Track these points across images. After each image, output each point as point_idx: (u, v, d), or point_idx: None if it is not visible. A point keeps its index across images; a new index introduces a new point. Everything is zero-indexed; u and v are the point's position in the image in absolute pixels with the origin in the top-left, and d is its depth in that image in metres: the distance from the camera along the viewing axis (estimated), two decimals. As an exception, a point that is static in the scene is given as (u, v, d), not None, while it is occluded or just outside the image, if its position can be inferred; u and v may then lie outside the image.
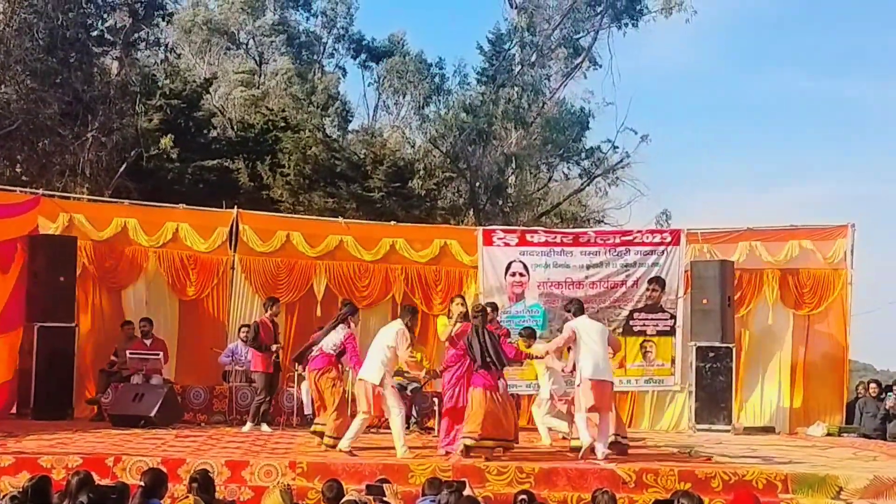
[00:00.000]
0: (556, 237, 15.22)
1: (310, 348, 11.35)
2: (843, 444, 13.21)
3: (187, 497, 6.47)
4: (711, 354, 14.51)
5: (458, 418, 10.64)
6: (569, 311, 11.34)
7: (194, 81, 25.48)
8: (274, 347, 13.12)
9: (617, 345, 11.81)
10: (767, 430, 14.86)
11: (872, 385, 15.52)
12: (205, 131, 24.79)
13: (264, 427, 12.76)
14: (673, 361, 14.87)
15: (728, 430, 14.18)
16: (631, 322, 14.83)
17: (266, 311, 13.41)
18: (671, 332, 14.86)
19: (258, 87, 29.44)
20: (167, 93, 23.26)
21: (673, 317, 14.86)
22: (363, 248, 15.26)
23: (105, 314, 14.79)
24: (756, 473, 9.57)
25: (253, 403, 13.17)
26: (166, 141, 21.80)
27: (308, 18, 33.18)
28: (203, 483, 6.97)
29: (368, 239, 15.44)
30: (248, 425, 12.79)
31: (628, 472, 9.44)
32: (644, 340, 14.83)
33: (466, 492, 7.26)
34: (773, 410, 15.37)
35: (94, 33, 20.76)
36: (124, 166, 20.93)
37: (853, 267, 15.33)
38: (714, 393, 14.48)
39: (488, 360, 10.34)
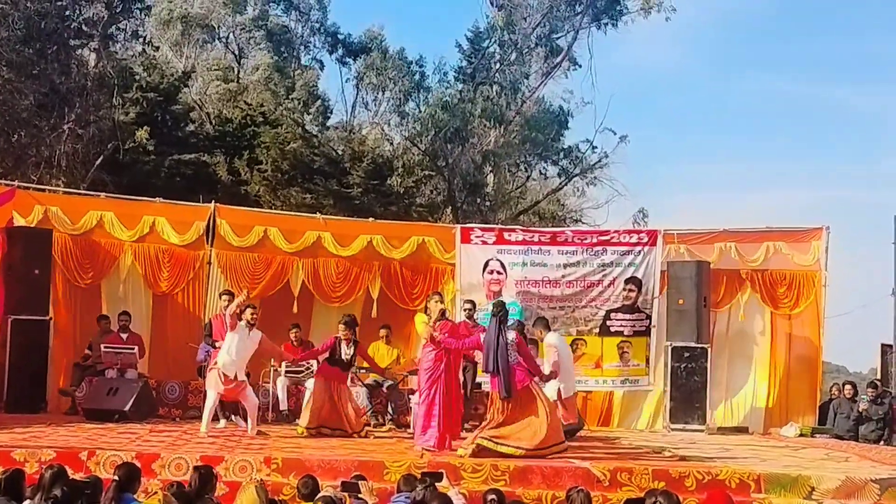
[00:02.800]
0: (533, 236, 15.26)
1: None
2: (815, 445, 13.31)
3: (156, 493, 6.44)
4: (686, 354, 14.58)
5: (432, 417, 10.66)
6: (537, 328, 11.49)
7: (172, 75, 25.36)
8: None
9: None
10: (741, 430, 14.94)
11: (847, 387, 15.67)
12: (182, 125, 24.66)
13: (221, 422, 12.66)
14: (648, 361, 14.96)
15: (702, 430, 14.26)
16: (608, 322, 14.89)
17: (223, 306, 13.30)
18: (646, 333, 14.94)
19: (237, 82, 29.32)
20: (144, 86, 23.14)
21: (649, 317, 14.94)
22: (340, 244, 15.21)
23: (80, 307, 14.70)
24: (729, 473, 9.61)
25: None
26: (142, 133, 21.68)
27: (287, 11, 33.02)
28: (205, 475, 6.83)
29: (346, 235, 15.39)
30: (222, 422, 12.71)
31: (603, 470, 9.47)
32: (621, 341, 14.89)
33: (444, 483, 7.27)
34: (747, 411, 15.47)
35: (72, 25, 20.59)
36: (101, 159, 20.81)
37: (827, 269, 15.44)
38: (689, 393, 14.54)
39: (497, 367, 10.20)
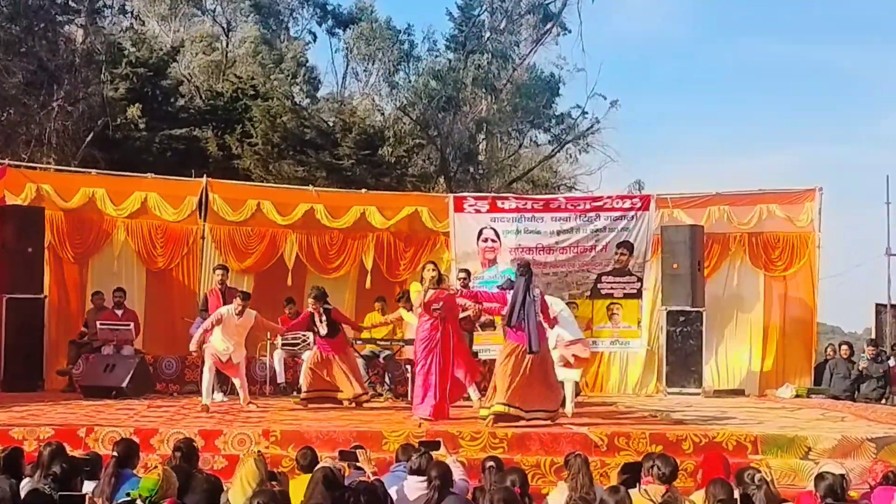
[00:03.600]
0: (526, 203, 15.27)
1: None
2: (811, 406, 13.37)
3: (156, 468, 6.44)
4: (682, 318, 14.61)
5: (429, 386, 10.69)
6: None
7: (161, 49, 25.15)
8: None
9: None
10: (737, 392, 15.02)
11: (844, 347, 15.74)
12: (172, 100, 24.50)
13: (217, 396, 12.67)
14: (639, 323, 15.04)
15: (698, 394, 14.31)
16: (599, 285, 14.97)
17: (216, 280, 13.32)
18: (638, 295, 15.01)
19: (225, 55, 29.12)
20: (133, 61, 22.94)
21: (640, 280, 15.00)
22: (333, 216, 15.18)
23: (74, 285, 14.69)
24: (726, 435, 9.67)
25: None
26: (133, 110, 21.56)
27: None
28: (187, 452, 6.94)
29: (338, 207, 15.37)
30: (219, 395, 12.76)
31: (600, 435, 9.52)
32: (611, 303, 14.96)
33: (441, 451, 7.29)
34: (743, 373, 15.54)
35: (58, 1, 20.42)
36: (91, 136, 20.71)
37: (821, 230, 15.46)
38: (684, 356, 14.59)
39: (525, 322, 10.17)
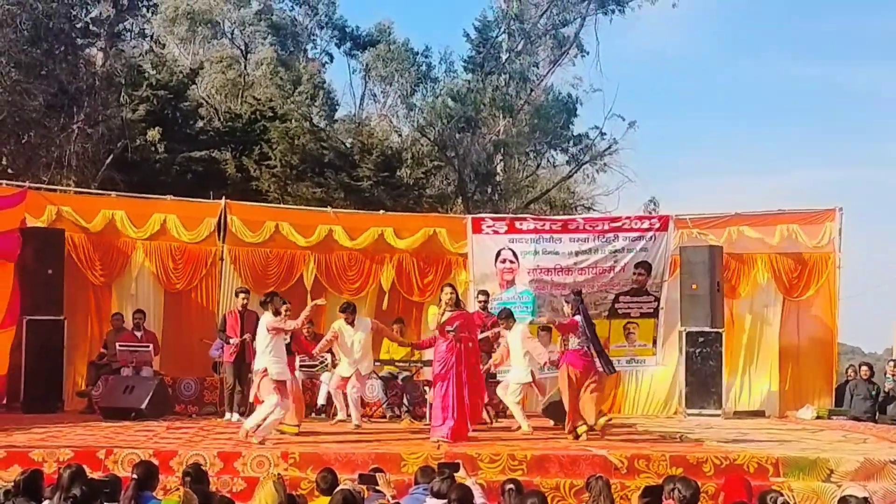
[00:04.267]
0: (544, 224, 15.23)
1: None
2: (832, 427, 13.27)
3: (179, 489, 6.44)
4: (701, 339, 14.54)
5: (447, 408, 10.67)
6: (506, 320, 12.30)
7: (180, 72, 25.37)
8: (233, 340, 12.77)
9: None
10: (757, 413, 14.92)
11: (864, 368, 15.60)
12: (191, 122, 24.70)
13: (234, 416, 12.69)
14: (654, 342, 14.98)
15: (718, 415, 14.23)
16: (616, 305, 14.92)
17: (239, 303, 13.32)
18: (654, 314, 14.96)
19: (243, 77, 29.32)
20: (153, 83, 23.16)
21: (657, 299, 14.94)
22: (351, 237, 15.21)
23: (93, 307, 14.75)
24: (747, 457, 9.59)
25: (225, 393, 13.25)
26: (153, 133, 21.73)
27: (292, 7, 33.07)
28: (196, 476, 6.96)
29: (357, 228, 15.40)
30: (229, 415, 12.81)
31: (620, 458, 9.46)
32: (628, 322, 14.92)
33: (461, 473, 7.26)
34: (763, 394, 15.44)
35: (79, 24, 20.64)
36: (110, 158, 20.85)
37: (841, 250, 15.39)
38: (704, 378, 14.51)
39: (595, 347, 11.40)
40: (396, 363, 13.38)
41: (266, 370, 10.73)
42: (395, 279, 15.31)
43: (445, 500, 6.35)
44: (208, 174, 22.54)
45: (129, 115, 21.46)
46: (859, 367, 15.73)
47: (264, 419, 10.57)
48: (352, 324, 11.99)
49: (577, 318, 11.35)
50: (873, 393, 15.07)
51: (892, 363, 15.69)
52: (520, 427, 11.98)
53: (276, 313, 10.92)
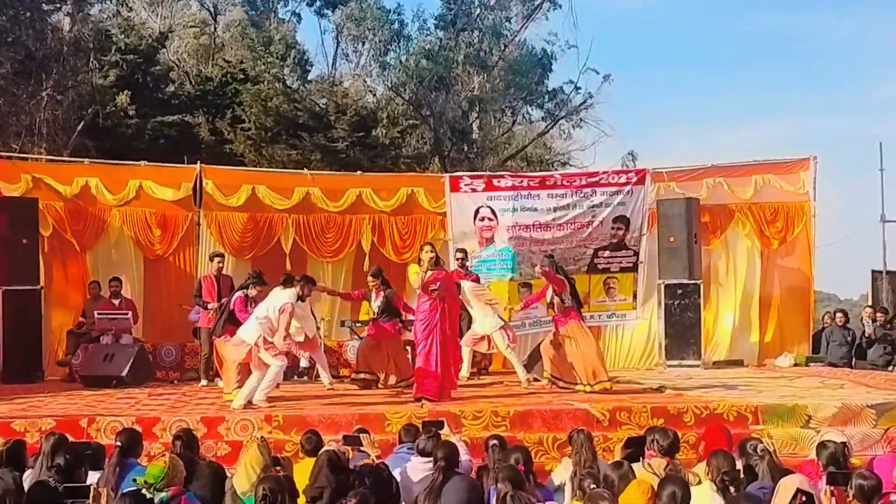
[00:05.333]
0: (522, 181, 15.23)
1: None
2: (810, 374, 13.43)
3: (164, 455, 6.44)
4: (679, 291, 14.63)
5: (430, 366, 10.70)
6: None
7: (149, 36, 25.03)
8: (211, 306, 12.66)
9: None
10: (736, 363, 15.06)
11: (839, 314, 15.77)
12: (162, 86, 24.41)
13: (220, 382, 12.66)
14: (635, 296, 15.06)
15: (698, 365, 14.36)
16: (595, 260, 14.98)
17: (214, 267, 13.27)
18: (633, 269, 15.05)
19: (214, 40, 28.98)
20: (122, 48, 22.85)
21: (636, 253, 15.02)
22: (329, 199, 15.14)
23: (71, 275, 14.66)
24: (727, 406, 9.70)
25: (200, 359, 13.24)
26: (123, 98, 21.45)
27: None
28: (187, 441, 6.96)
29: (334, 190, 15.32)
30: (203, 381, 12.83)
31: (602, 410, 9.55)
32: (608, 277, 14.99)
33: (445, 431, 7.31)
34: (742, 344, 15.59)
35: (44, -11, 20.28)
36: (81, 124, 20.61)
37: (816, 199, 15.48)
38: (683, 329, 14.62)
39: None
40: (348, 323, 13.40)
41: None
42: (375, 240, 15.27)
43: (431, 458, 6.40)
44: (182, 139, 22.33)
45: (98, 81, 21.17)
46: (835, 314, 15.90)
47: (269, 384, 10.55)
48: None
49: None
50: (849, 339, 15.24)
51: (868, 308, 15.85)
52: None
53: (301, 298, 10.93)
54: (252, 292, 10.94)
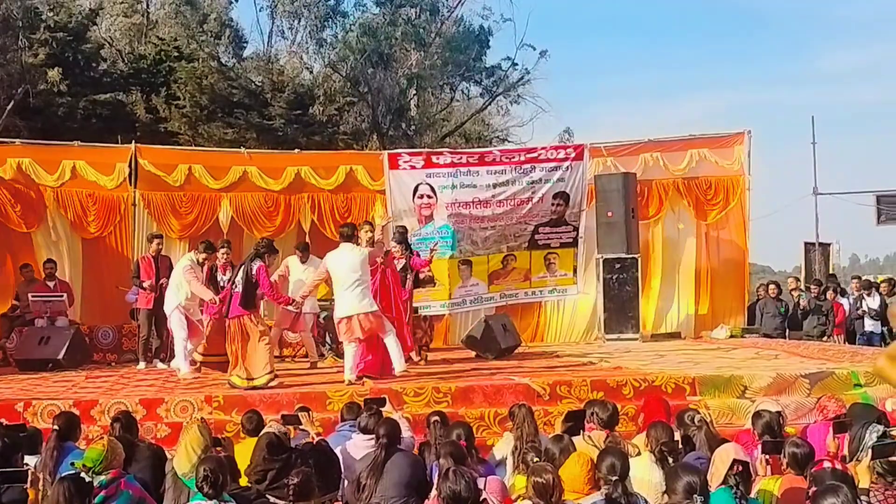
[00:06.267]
0: (461, 157, 15.20)
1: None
2: (745, 346, 13.68)
3: (102, 438, 6.38)
4: (618, 266, 14.77)
5: (371, 345, 10.68)
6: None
7: (79, 13, 24.53)
8: (146, 284, 12.64)
9: None
10: (674, 336, 15.31)
11: (772, 286, 16.08)
12: (94, 64, 23.96)
13: (159, 364, 12.64)
14: (575, 271, 15.20)
15: (636, 339, 14.54)
16: (536, 236, 15.04)
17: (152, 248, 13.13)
18: (574, 244, 15.15)
19: (147, 17, 28.48)
20: (51, 25, 22.37)
21: (576, 229, 15.12)
22: (268, 177, 15.03)
23: (10, 258, 14.37)
24: (665, 378, 9.84)
25: (139, 341, 13.09)
26: (53, 74, 21.01)
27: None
28: (126, 423, 6.91)
29: (272, 169, 15.20)
30: (142, 363, 12.69)
31: (542, 385, 9.62)
32: (548, 253, 15.08)
33: (387, 408, 7.34)
34: (679, 316, 15.83)
35: (-30, -34, 19.80)
36: (11, 104, 20.18)
37: (750, 173, 15.73)
38: (622, 303, 14.78)
39: None
40: (319, 302, 13.30)
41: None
42: (314, 218, 15.20)
43: (373, 436, 6.42)
44: (115, 117, 21.99)
45: (28, 60, 20.74)
46: (768, 286, 16.22)
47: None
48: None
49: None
50: (782, 310, 15.56)
51: (792, 279, 16.19)
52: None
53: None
54: (269, 262, 10.49)
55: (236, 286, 10.11)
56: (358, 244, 10.55)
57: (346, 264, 10.34)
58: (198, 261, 11.57)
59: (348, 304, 10.31)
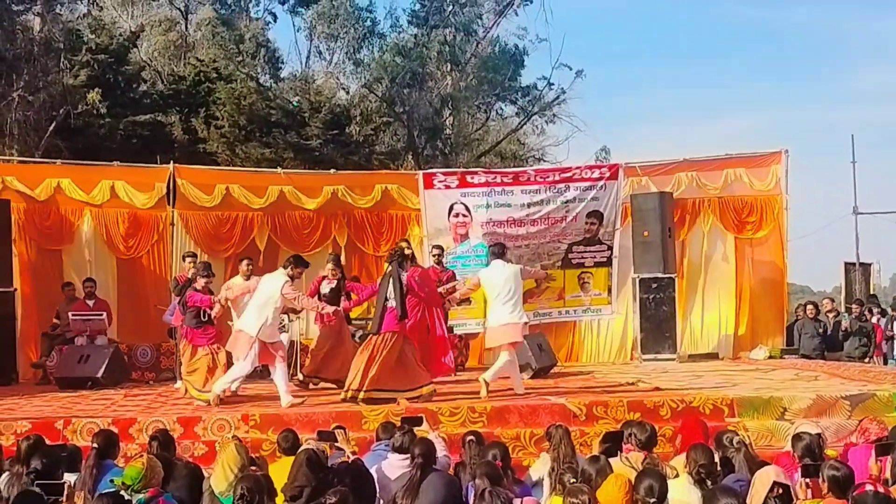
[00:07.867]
0: (496, 177, 15.24)
1: None
2: (784, 366, 13.53)
3: (140, 456, 6.42)
4: (654, 285, 14.68)
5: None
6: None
7: (120, 35, 24.87)
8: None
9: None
10: (711, 356, 15.16)
11: (809, 307, 15.92)
12: (134, 86, 24.25)
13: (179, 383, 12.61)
14: (609, 291, 15.14)
15: (673, 359, 14.42)
16: (570, 255, 15.03)
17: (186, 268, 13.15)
18: (608, 263, 15.10)
19: (185, 39, 28.83)
20: (93, 48, 22.66)
21: (610, 248, 15.08)
22: (304, 197, 15.13)
23: (44, 277, 14.54)
24: (703, 400, 9.75)
25: (176, 360, 13.10)
26: (94, 95, 21.29)
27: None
28: (163, 441, 6.94)
29: (309, 188, 15.31)
30: (179, 382, 12.70)
31: (579, 405, 9.58)
32: (582, 272, 15.05)
33: (423, 427, 7.32)
34: (717, 337, 15.69)
35: (13, -11, 20.14)
36: (53, 125, 20.47)
37: (788, 192, 15.60)
38: (658, 323, 14.68)
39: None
40: (353, 322, 13.31)
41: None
42: (351, 236, 15.28)
43: (408, 455, 6.40)
44: (154, 138, 22.21)
45: (70, 81, 21.02)
46: (805, 307, 16.04)
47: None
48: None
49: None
50: (820, 331, 15.38)
51: (828, 300, 16.02)
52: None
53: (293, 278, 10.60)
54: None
55: (388, 300, 10.26)
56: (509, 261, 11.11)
57: (500, 278, 10.82)
58: (290, 277, 10.69)
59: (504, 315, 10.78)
